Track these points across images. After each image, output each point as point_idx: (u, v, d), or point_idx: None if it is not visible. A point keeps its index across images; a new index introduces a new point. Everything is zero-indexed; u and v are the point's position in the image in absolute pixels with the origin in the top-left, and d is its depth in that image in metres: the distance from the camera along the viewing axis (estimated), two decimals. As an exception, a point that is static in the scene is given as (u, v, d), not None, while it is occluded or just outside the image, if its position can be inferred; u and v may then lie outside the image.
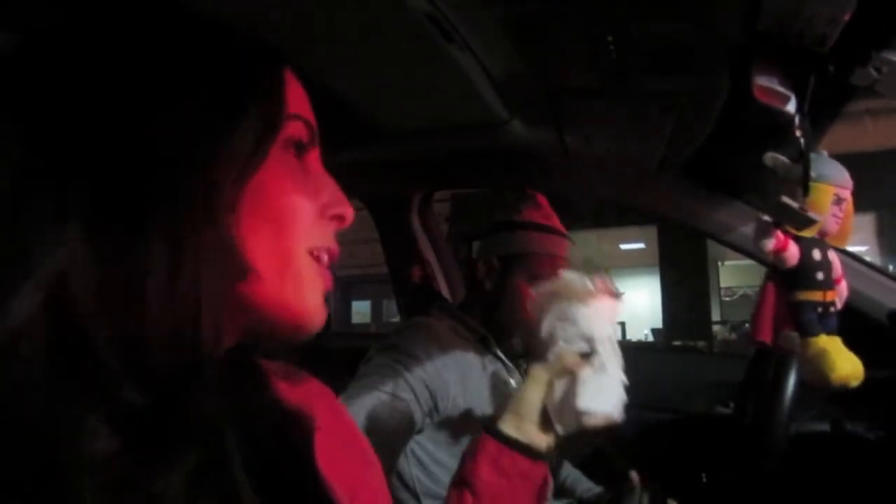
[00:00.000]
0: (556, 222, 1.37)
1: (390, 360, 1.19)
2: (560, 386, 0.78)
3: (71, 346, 0.35)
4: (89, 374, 0.35)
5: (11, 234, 0.35)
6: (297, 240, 0.45)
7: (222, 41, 0.44)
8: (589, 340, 0.80)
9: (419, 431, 1.19)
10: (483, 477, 0.74)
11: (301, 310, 0.46)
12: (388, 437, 1.11)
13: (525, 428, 0.76)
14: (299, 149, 0.47)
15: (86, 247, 0.36)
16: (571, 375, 0.78)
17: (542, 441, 0.77)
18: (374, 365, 1.20)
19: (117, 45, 0.40)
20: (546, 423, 0.78)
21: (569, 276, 0.84)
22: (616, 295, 0.84)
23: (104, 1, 0.41)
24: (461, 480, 0.77)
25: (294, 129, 0.47)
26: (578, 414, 0.76)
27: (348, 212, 0.50)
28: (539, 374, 0.79)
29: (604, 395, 0.77)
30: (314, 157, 0.50)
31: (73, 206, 0.36)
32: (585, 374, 0.78)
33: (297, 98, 0.48)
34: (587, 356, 0.78)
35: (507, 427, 0.77)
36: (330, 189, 0.49)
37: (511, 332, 1.31)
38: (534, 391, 0.78)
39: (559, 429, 0.78)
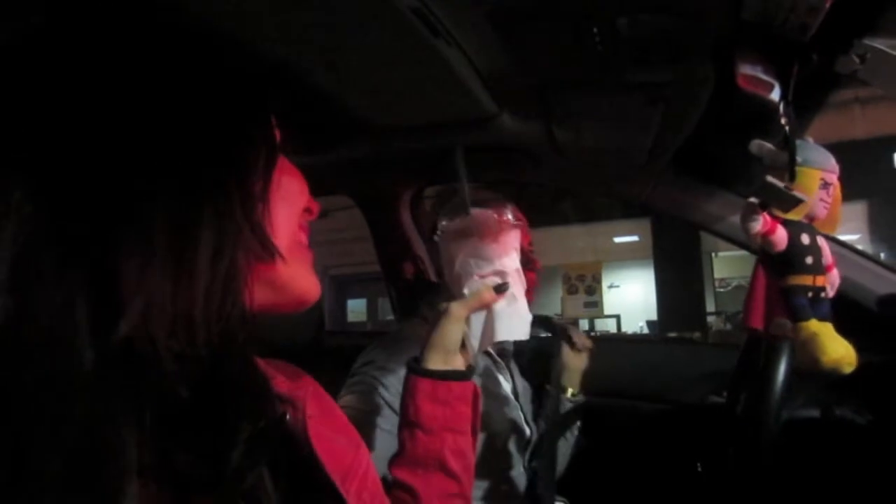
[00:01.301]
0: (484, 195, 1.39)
1: (367, 378, 1.19)
2: (477, 318, 0.85)
3: (117, 344, 0.38)
4: (142, 364, 0.38)
5: (60, 229, 0.38)
6: (296, 219, 0.53)
7: (237, 74, 0.50)
8: (501, 274, 0.85)
9: None
10: (427, 412, 0.81)
11: (305, 281, 0.52)
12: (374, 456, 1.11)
13: (450, 359, 0.84)
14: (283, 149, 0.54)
15: (136, 238, 0.39)
16: (486, 308, 0.84)
17: (463, 364, 0.86)
18: (352, 383, 1.20)
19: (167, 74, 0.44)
20: (463, 348, 0.86)
21: (478, 212, 0.88)
22: (517, 224, 0.89)
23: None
24: (408, 423, 0.83)
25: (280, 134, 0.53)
26: (495, 341, 0.84)
27: (316, 206, 0.56)
28: (458, 311, 0.84)
29: (517, 324, 0.85)
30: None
31: (118, 211, 0.39)
32: (500, 306, 0.84)
33: None
34: (500, 289, 0.84)
35: (435, 363, 0.83)
36: (304, 185, 0.56)
37: None
38: (454, 328, 0.83)
39: (473, 352, 0.86)
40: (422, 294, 1.44)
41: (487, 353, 1.31)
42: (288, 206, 0.51)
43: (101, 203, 0.39)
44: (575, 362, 1.49)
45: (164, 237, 0.40)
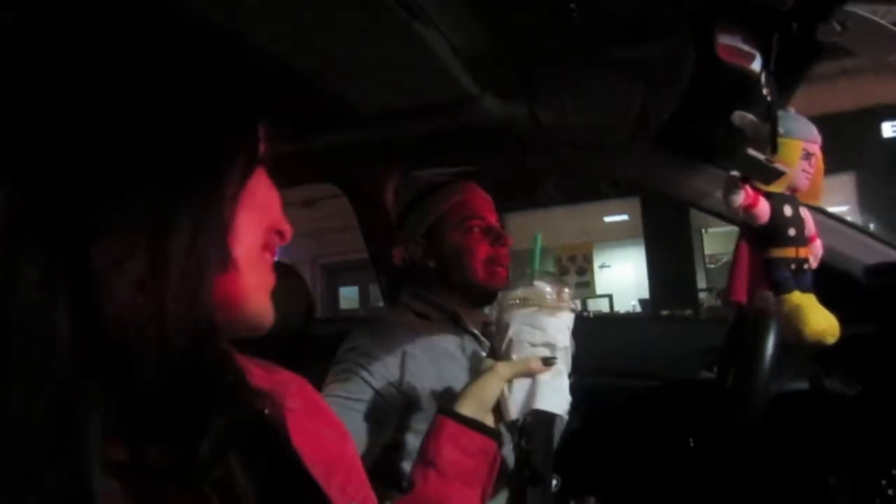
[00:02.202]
0: (443, 179, 1.41)
1: (352, 364, 1.18)
2: (519, 384, 0.86)
3: (92, 332, 0.38)
4: (108, 359, 0.38)
5: (32, 228, 0.38)
6: (259, 237, 0.50)
7: (226, 78, 0.49)
8: (551, 348, 0.87)
9: (398, 427, 1.18)
10: (446, 455, 0.81)
11: (256, 304, 0.50)
12: (359, 443, 1.10)
13: (482, 414, 0.84)
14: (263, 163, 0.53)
15: (110, 238, 0.39)
16: (531, 376, 0.86)
17: (493, 423, 0.86)
18: (336, 370, 1.20)
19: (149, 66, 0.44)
20: (497, 410, 0.86)
21: (540, 286, 0.90)
22: (574, 310, 0.92)
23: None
24: (424, 462, 0.82)
25: (264, 148, 0.52)
26: (532, 411, 0.85)
27: (289, 230, 0.55)
28: (503, 371, 0.86)
29: (557, 398, 0.87)
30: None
31: (99, 202, 0.39)
32: (544, 377, 0.86)
33: None
34: (548, 361, 0.86)
35: (466, 411, 0.83)
36: (278, 204, 0.54)
37: (474, 286, 1.31)
38: (494, 385, 0.85)
39: (510, 417, 0.86)
40: (405, 281, 1.43)
41: (474, 336, 1.31)
42: (255, 218, 0.49)
43: (82, 193, 0.39)
44: None
45: (141, 227, 0.40)
